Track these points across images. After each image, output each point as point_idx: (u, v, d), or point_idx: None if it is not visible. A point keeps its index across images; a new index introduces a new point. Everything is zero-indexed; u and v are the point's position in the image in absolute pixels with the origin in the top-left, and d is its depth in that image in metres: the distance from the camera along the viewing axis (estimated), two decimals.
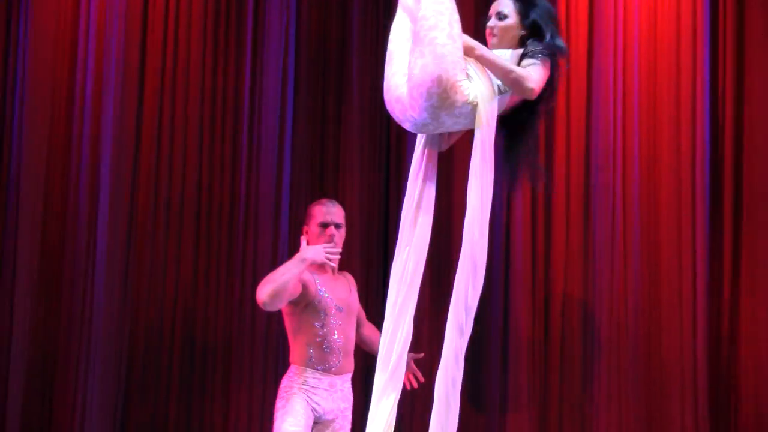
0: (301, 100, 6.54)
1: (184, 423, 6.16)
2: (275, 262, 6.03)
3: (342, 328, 4.90)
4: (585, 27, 6.25)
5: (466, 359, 3.84)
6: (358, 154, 6.53)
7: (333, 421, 4.92)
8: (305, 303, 4.82)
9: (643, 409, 5.94)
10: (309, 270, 4.85)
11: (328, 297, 4.84)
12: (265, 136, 6.42)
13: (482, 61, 3.88)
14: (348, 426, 4.95)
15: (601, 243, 6.06)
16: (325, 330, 4.83)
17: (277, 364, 6.12)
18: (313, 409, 4.79)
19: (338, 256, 4.92)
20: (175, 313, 6.17)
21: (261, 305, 4.69)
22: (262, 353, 6.26)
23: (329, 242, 4.90)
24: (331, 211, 4.97)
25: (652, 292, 5.99)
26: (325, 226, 4.87)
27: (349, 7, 6.61)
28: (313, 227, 4.90)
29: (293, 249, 5.95)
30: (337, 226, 4.92)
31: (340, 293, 4.94)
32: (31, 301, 5.94)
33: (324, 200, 5.05)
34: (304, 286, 4.78)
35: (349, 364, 4.92)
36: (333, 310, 4.87)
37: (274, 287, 4.63)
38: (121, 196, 6.13)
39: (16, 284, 5.92)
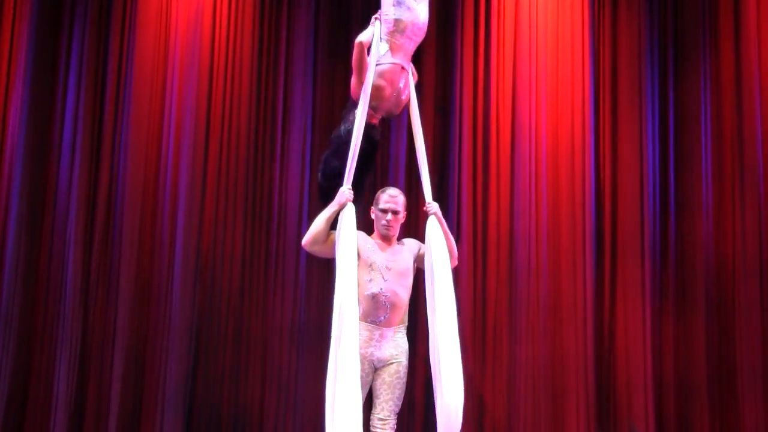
0: (316, 155, 7.64)
1: (234, 386, 7.52)
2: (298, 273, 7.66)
3: (389, 284, 5.24)
4: (509, 115, 7.81)
5: None
6: None
7: (389, 365, 5.26)
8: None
9: (549, 381, 7.53)
10: (371, 236, 5.38)
11: (376, 256, 5.26)
12: (292, 188, 7.79)
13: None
14: (403, 371, 5.25)
15: (521, 264, 7.63)
16: (372, 284, 5.20)
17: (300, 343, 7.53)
18: (369, 360, 5.18)
19: (395, 230, 5.38)
20: (228, 313, 7.62)
21: (305, 248, 5.28)
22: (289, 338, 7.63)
23: (387, 226, 5.34)
24: (391, 200, 5.43)
25: (557, 298, 7.62)
26: (384, 211, 5.36)
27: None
28: (376, 210, 5.39)
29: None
30: (395, 212, 5.36)
31: (389, 255, 5.30)
32: (129, 308, 7.51)
33: (388, 188, 5.53)
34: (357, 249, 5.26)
35: (398, 317, 5.25)
36: (381, 268, 5.26)
37: (311, 235, 5.20)
38: (191, 239, 7.63)
39: (119, 295, 7.51)
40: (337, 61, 8.03)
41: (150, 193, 7.78)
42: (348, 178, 5.24)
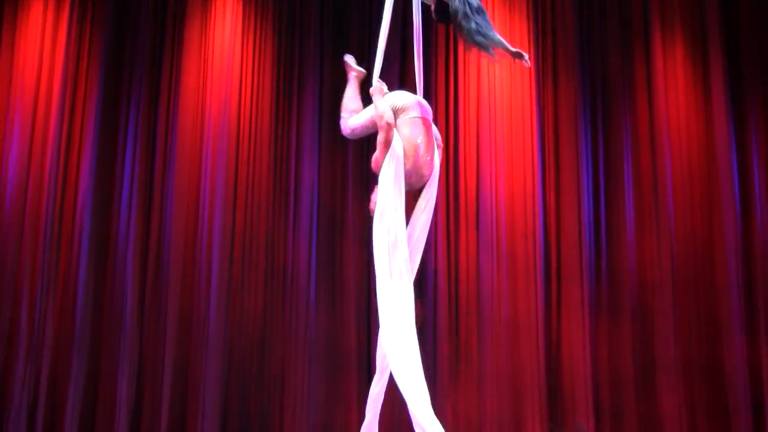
0: (321, 218, 8.55)
1: (259, 392, 8.05)
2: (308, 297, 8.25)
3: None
4: (473, 175, 8.44)
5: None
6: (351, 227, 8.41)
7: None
8: None
9: (511, 382, 8.13)
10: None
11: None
12: (302, 237, 8.38)
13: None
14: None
15: (486, 289, 8.24)
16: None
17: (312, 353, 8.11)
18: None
19: None
20: (254, 334, 8.17)
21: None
22: (303, 348, 8.14)
23: None
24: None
25: (515, 315, 8.23)
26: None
27: (346, 165, 8.62)
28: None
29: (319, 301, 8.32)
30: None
31: None
32: (176, 330, 8.10)
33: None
34: None
35: None
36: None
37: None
38: (223, 274, 8.17)
39: (168, 320, 8.06)
40: (337, 126, 7.94)
41: (190, 239, 8.29)
42: (377, 72, 5.29)
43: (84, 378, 8.03)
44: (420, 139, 5.15)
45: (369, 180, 7.52)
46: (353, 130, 5.59)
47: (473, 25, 4.99)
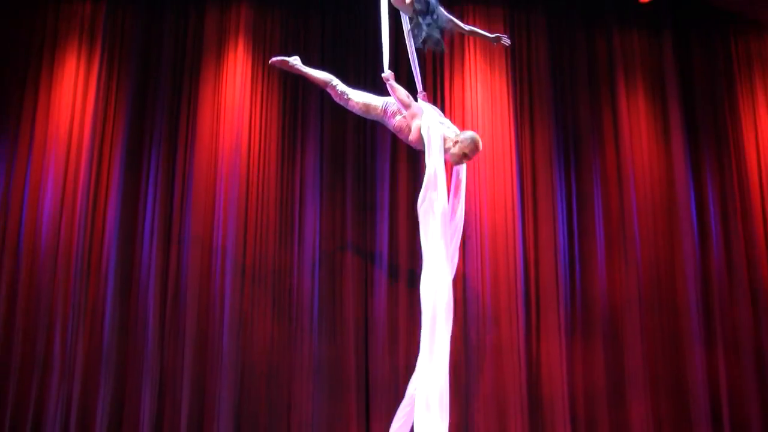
0: (323, 254, 8.75)
1: (268, 407, 8.28)
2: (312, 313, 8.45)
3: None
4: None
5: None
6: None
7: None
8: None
9: (495, 398, 8.40)
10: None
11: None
12: (306, 271, 8.65)
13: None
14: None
15: (472, 315, 8.52)
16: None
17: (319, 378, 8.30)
18: None
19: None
20: (262, 353, 8.37)
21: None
22: (311, 372, 8.34)
23: (458, 162, 6.24)
24: (474, 155, 6.27)
25: (498, 338, 8.53)
26: (465, 155, 6.18)
27: (345, 201, 8.81)
28: (456, 149, 6.11)
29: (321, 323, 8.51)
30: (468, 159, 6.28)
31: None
32: (193, 350, 8.29)
33: (479, 141, 6.29)
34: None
35: None
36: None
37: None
38: (235, 300, 8.38)
39: (186, 341, 8.25)
40: (336, 170, 9.03)
41: (205, 271, 8.56)
42: (386, 64, 5.83)
43: (111, 396, 8.26)
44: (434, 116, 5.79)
45: (366, 218, 8.39)
46: (348, 102, 6.27)
47: (428, 21, 5.56)
